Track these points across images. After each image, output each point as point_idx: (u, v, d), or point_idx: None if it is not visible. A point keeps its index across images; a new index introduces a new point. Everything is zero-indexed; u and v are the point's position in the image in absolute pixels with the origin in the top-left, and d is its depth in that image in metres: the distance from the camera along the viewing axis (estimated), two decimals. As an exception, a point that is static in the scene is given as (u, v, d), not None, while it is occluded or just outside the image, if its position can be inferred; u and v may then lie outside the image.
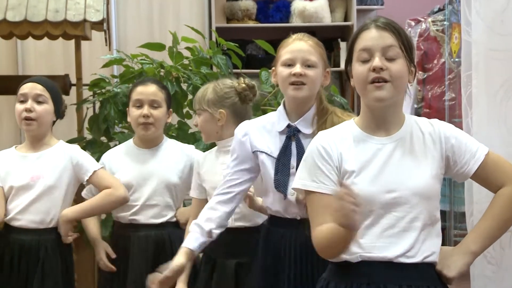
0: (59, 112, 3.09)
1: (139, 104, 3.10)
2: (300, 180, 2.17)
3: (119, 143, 4.01)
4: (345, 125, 2.23)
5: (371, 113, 2.16)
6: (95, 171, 3.02)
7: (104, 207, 3.05)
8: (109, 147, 4.05)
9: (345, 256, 2.09)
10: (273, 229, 2.60)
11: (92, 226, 3.15)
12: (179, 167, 3.14)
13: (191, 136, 3.93)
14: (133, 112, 3.11)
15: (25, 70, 5.76)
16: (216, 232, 2.58)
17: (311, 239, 2.13)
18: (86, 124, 4.18)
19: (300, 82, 2.50)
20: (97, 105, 4.20)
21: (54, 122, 3.10)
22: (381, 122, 2.16)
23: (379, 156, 2.12)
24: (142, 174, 3.10)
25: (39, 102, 3.00)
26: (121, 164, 3.15)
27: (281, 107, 2.61)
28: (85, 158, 3.06)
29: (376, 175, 2.10)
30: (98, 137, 4.06)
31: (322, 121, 2.53)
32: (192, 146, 3.27)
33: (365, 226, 2.07)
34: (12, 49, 5.74)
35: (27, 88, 3.02)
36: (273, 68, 2.62)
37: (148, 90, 3.11)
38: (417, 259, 2.07)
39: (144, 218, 3.08)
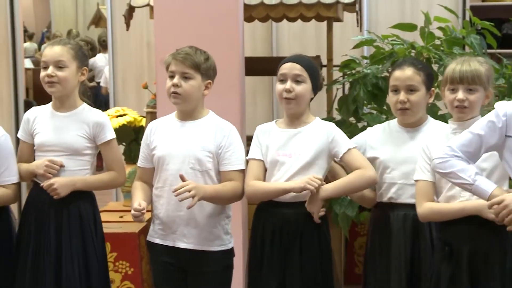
0: (317, 90, 3.16)
1: (396, 89, 3.09)
2: None
3: (368, 124, 4.03)
4: None
5: None
6: (349, 149, 3.05)
7: (357, 187, 3.07)
8: (357, 128, 4.09)
9: None
10: None
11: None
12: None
13: (440, 119, 3.84)
14: (391, 97, 3.11)
15: (279, 52, 5.97)
16: None
17: None
18: (335, 105, 4.25)
19: None
20: (347, 86, 4.25)
21: (311, 99, 3.16)
22: None
23: None
24: (400, 154, 3.09)
25: (297, 82, 3.07)
26: (380, 143, 3.16)
27: None
28: (340, 136, 3.09)
29: None
30: (347, 117, 4.11)
31: None
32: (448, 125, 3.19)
33: None
34: (267, 31, 5.97)
35: (286, 68, 3.08)
36: None
37: (405, 74, 3.07)
38: None
39: (404, 197, 3.06)
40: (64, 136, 3.23)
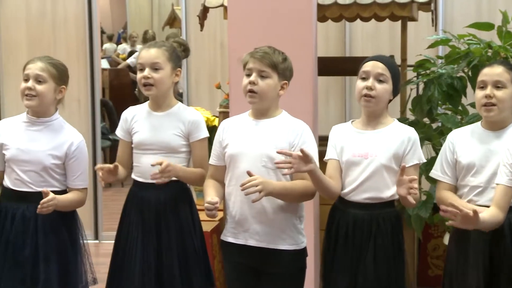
0: (396, 92, 3.12)
1: (483, 85, 3.04)
2: None
3: (442, 125, 3.98)
4: None
5: None
6: (416, 164, 3.03)
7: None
8: (431, 129, 4.04)
9: None
10: None
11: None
12: None
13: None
14: (477, 94, 3.06)
15: (352, 52, 5.94)
16: None
17: None
18: (409, 105, 4.21)
19: None
20: (421, 86, 4.20)
21: (390, 101, 3.11)
22: None
23: None
24: (484, 155, 3.04)
25: (379, 81, 3.03)
26: (464, 145, 3.11)
27: None
28: (417, 145, 3.06)
29: None
30: (420, 118, 4.06)
31: None
32: None
33: None
34: (340, 31, 5.94)
35: (369, 66, 3.06)
36: None
37: (493, 71, 3.03)
38: None
39: (484, 200, 3.00)
40: (160, 135, 3.32)
